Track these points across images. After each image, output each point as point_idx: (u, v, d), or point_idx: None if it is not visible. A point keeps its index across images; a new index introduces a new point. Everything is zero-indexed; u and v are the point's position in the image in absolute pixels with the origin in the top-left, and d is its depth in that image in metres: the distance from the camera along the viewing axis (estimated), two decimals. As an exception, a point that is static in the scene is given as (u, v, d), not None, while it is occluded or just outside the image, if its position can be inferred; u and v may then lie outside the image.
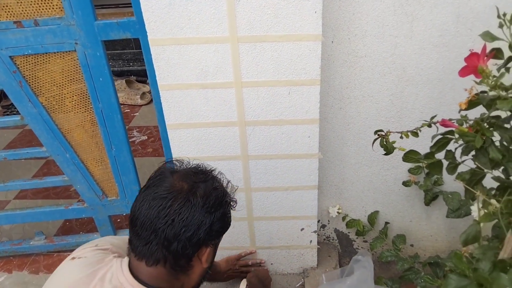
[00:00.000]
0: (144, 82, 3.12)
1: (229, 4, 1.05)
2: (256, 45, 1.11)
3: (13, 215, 1.66)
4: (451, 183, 1.44)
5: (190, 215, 0.83)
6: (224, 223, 0.91)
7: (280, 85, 1.17)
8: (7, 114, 2.94)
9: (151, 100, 2.95)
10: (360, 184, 1.50)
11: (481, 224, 0.88)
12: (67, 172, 1.53)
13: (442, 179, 1.45)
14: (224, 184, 0.96)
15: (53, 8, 1.22)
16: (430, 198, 1.46)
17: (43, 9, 1.23)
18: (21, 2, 1.22)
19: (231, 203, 0.96)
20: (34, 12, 1.23)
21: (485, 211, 0.88)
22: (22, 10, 1.23)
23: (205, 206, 0.85)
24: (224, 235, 1.47)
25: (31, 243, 1.76)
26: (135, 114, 2.85)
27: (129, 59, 3.24)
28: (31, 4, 1.22)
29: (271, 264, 1.56)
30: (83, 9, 1.21)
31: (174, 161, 0.94)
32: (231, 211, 0.96)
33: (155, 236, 0.82)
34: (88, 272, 0.86)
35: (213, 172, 0.94)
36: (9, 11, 1.24)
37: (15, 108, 2.97)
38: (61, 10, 1.22)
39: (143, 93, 2.94)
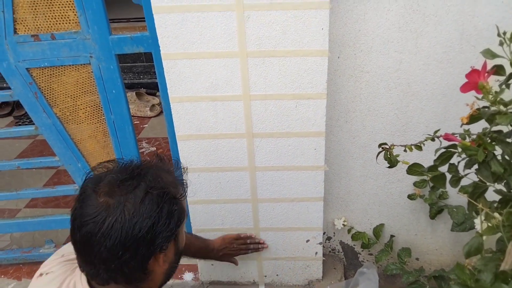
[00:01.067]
0: (154, 94, 3.17)
1: (239, 21, 1.09)
2: (265, 59, 1.14)
3: (25, 223, 1.69)
4: (456, 197, 1.45)
5: (122, 236, 0.74)
6: (173, 224, 0.81)
7: (288, 99, 1.21)
8: (19, 124, 3.00)
9: (160, 112, 3.00)
10: (366, 197, 1.52)
11: (484, 237, 0.90)
12: (79, 181, 1.57)
13: (447, 193, 1.47)
14: (165, 176, 0.84)
15: (69, 23, 1.27)
16: (435, 212, 1.47)
17: (60, 23, 1.28)
18: (39, 17, 1.27)
19: (178, 193, 0.84)
20: (51, 26, 1.28)
21: (488, 224, 0.90)
22: (40, 24, 1.28)
23: (140, 220, 0.76)
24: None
25: (41, 251, 1.79)
26: (145, 125, 2.90)
27: (139, 72, 3.30)
28: (48, 19, 1.27)
29: (277, 275, 1.58)
30: (98, 24, 1.25)
31: (99, 168, 0.84)
32: (182, 198, 0.86)
33: (95, 259, 0.76)
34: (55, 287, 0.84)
35: (147, 166, 0.83)
36: (27, 25, 1.29)
37: (28, 118, 3.05)
38: (77, 25, 1.27)
39: (153, 105, 2.99)
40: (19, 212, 2.13)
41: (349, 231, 1.60)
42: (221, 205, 1.41)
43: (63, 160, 1.52)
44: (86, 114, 1.44)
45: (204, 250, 1.35)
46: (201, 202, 1.41)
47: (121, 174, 0.80)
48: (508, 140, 0.85)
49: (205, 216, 1.43)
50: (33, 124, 1.46)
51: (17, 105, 3.13)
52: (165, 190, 0.81)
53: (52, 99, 1.40)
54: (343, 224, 1.56)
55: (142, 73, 3.30)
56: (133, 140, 1.48)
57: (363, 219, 1.57)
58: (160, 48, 1.14)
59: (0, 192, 1.62)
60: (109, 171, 0.82)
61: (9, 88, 1.39)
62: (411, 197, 1.47)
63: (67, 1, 1.24)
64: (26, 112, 3.08)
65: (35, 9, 1.26)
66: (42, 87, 1.38)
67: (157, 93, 3.17)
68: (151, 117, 2.97)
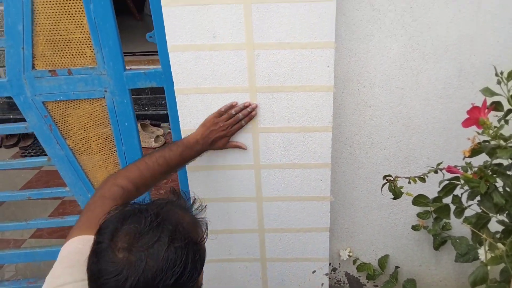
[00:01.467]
0: (158, 125, 3.23)
1: (250, 59, 1.15)
2: (273, 94, 1.20)
3: (32, 253, 1.70)
4: (458, 228, 1.48)
5: None
6: (197, 270, 0.78)
7: (295, 131, 1.25)
8: (25, 155, 3.03)
9: (165, 143, 3.05)
10: (370, 227, 1.55)
11: (489, 267, 0.93)
12: (88, 211, 1.59)
13: (450, 224, 1.50)
14: (184, 219, 0.80)
15: (86, 59, 1.34)
16: (439, 243, 1.50)
17: (77, 59, 1.34)
18: (57, 53, 1.34)
19: (199, 237, 0.82)
20: (69, 62, 1.34)
21: (492, 255, 0.93)
22: (57, 60, 1.34)
23: (164, 276, 0.72)
24: (236, 277, 1.50)
25: (46, 281, 1.79)
26: (149, 156, 2.94)
27: (144, 104, 3.37)
28: (66, 55, 1.34)
29: (283, 306, 1.58)
30: (114, 61, 1.32)
31: (116, 211, 0.79)
32: (203, 239, 0.85)
33: None
34: None
35: (165, 215, 0.77)
36: (45, 61, 1.35)
37: (33, 149, 3.09)
38: (94, 61, 1.33)
39: (157, 136, 3.04)
40: (24, 242, 2.14)
41: (354, 262, 1.61)
42: (229, 235, 1.43)
43: (73, 191, 1.55)
44: (98, 145, 1.48)
45: (186, 152, 1.17)
46: (209, 232, 1.42)
47: (139, 224, 0.75)
48: (509, 172, 0.89)
49: (213, 247, 1.45)
50: (39, 154, 1.50)
51: (23, 136, 3.17)
52: (187, 240, 0.76)
53: (66, 131, 1.45)
54: (348, 255, 1.58)
55: (147, 105, 3.37)
56: (142, 171, 1.52)
57: (368, 249, 1.59)
58: (174, 84, 1.19)
59: (10, 222, 1.64)
60: (125, 219, 0.76)
61: (16, 118, 1.43)
62: (415, 228, 1.50)
63: (84, 39, 1.31)
64: (32, 143, 3.15)
65: (53, 46, 1.33)
66: (57, 119, 1.43)
67: (162, 124, 3.23)
68: (155, 147, 3.02)
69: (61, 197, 2.43)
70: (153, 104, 3.36)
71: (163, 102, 3.35)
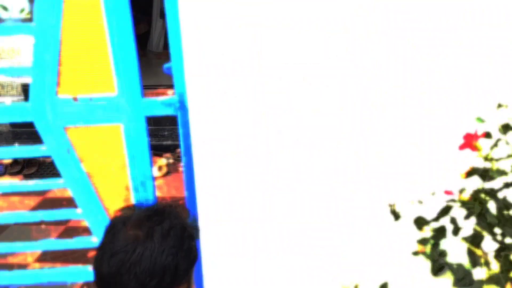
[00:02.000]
0: (160, 156, 3.31)
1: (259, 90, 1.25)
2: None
3: (40, 274, 1.73)
4: (455, 255, 1.53)
5: (151, 263, 0.82)
6: (190, 259, 0.90)
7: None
8: (29, 183, 3.08)
9: (167, 173, 3.12)
10: (371, 254, 1.60)
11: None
12: (98, 234, 1.64)
13: (446, 251, 1.56)
14: (184, 217, 0.94)
15: (107, 87, 1.43)
16: (437, 269, 1.55)
17: (99, 87, 1.43)
18: (80, 81, 1.43)
19: (194, 232, 0.94)
20: (90, 90, 1.44)
21: (487, 273, 1.00)
22: (80, 88, 1.44)
23: (166, 250, 0.84)
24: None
25: (50, 305, 1.80)
26: (151, 185, 2.99)
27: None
28: (88, 83, 1.43)
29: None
30: (133, 89, 1.41)
31: (127, 209, 0.95)
32: (196, 239, 0.95)
33: None
34: None
35: (169, 208, 0.93)
36: (68, 88, 1.44)
37: (37, 177, 3.14)
38: (114, 89, 1.43)
39: (160, 166, 3.11)
40: (29, 266, 2.16)
41: (355, 288, 1.65)
42: (236, 260, 1.48)
43: (85, 213, 1.61)
44: (112, 169, 1.55)
45: None
46: (218, 255, 1.48)
47: (147, 211, 0.90)
48: (499, 195, 0.98)
49: (221, 270, 1.50)
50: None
51: (27, 164, 3.23)
52: (186, 227, 0.91)
53: (82, 155, 1.52)
54: (350, 282, 1.62)
55: (149, 135, 3.46)
56: (152, 195, 1.58)
57: (369, 277, 1.63)
58: (189, 111, 1.29)
59: (22, 241, 1.68)
60: (135, 211, 0.92)
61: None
62: (414, 254, 1.55)
63: (107, 69, 1.41)
64: (35, 171, 3.21)
65: (78, 74, 1.42)
66: (74, 144, 1.50)
67: (164, 155, 3.31)
68: (157, 177, 3.08)
69: (64, 223, 2.47)
70: (155, 135, 3.45)
71: (165, 133, 3.44)
